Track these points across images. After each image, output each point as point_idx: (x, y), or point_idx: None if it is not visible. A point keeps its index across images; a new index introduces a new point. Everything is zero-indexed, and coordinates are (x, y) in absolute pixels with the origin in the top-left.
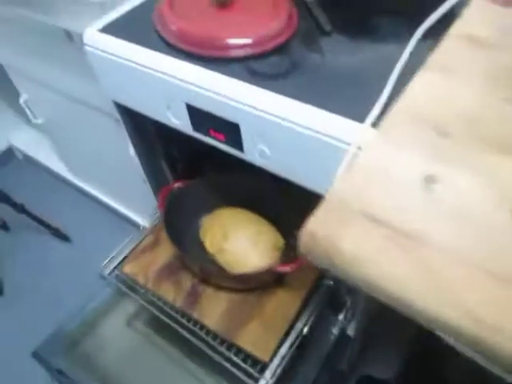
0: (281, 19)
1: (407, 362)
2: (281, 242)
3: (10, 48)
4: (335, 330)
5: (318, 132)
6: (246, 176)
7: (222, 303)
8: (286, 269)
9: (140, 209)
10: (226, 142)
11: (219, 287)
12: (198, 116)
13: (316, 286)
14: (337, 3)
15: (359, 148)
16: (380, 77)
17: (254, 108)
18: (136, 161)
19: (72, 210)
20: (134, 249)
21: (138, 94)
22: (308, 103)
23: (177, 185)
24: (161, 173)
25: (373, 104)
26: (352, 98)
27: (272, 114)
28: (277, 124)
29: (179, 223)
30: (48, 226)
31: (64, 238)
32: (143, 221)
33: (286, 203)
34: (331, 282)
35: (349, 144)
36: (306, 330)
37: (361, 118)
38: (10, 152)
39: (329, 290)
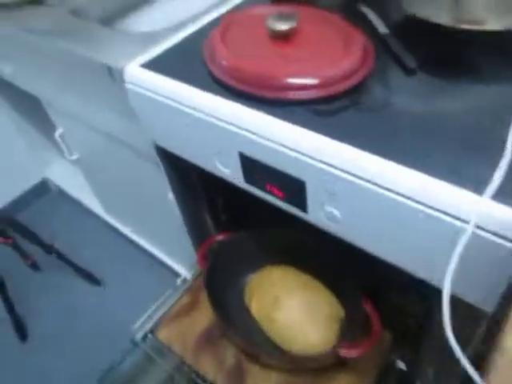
0: (354, 56)
1: None
2: (341, 313)
3: (47, 80)
4: None
5: (409, 198)
6: (301, 232)
7: None
8: (352, 354)
9: (178, 256)
10: (286, 200)
11: (268, 365)
12: (253, 168)
13: (385, 369)
14: (419, 34)
15: (479, 227)
16: (493, 130)
17: (325, 163)
18: (175, 207)
19: (105, 248)
20: (169, 309)
21: (182, 137)
22: (395, 161)
23: (220, 237)
24: (202, 222)
25: (491, 168)
26: (458, 157)
27: (348, 172)
28: (353, 184)
29: (221, 283)
30: (79, 269)
31: (95, 281)
32: (180, 268)
33: (345, 268)
34: (403, 366)
35: (461, 219)
36: None
37: (476, 188)
38: (44, 184)
39: (401, 375)
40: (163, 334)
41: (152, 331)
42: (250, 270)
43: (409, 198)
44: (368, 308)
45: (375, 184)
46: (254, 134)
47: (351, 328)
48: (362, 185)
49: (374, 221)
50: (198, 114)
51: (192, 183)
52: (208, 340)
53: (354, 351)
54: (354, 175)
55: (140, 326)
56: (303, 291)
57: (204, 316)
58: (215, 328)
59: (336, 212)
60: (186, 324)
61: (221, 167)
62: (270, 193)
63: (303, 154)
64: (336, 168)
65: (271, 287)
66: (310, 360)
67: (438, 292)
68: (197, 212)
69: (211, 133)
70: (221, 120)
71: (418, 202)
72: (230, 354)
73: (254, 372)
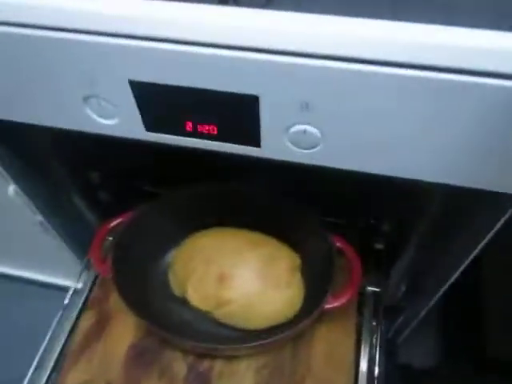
0: None
1: (449, 350)
2: (297, 259)
3: None
4: None
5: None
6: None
7: (248, 379)
8: (338, 303)
9: (58, 268)
10: (221, 138)
11: (233, 357)
12: (159, 101)
13: (359, 303)
14: None
15: None
16: None
17: (292, 54)
18: (19, 201)
19: None
20: (67, 342)
21: (23, 90)
22: (401, 19)
23: (116, 222)
24: (76, 213)
25: None
26: None
27: (332, 57)
28: (340, 75)
29: (138, 277)
30: None
31: None
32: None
33: (294, 208)
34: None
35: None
36: (376, 370)
37: None
38: None
39: (377, 299)
40: (72, 379)
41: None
42: (171, 246)
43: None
44: (341, 244)
45: (381, 63)
46: (155, 40)
47: (324, 274)
48: (354, 73)
49: (372, 126)
50: (49, 34)
51: (43, 162)
52: (141, 358)
53: (338, 300)
54: (343, 58)
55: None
56: (249, 253)
57: (124, 330)
58: (145, 339)
59: (313, 130)
60: (102, 350)
61: (99, 119)
62: (193, 134)
63: (252, 50)
64: (312, 56)
65: (208, 264)
66: (286, 328)
67: None
68: (64, 202)
69: (74, 62)
70: (91, 32)
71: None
72: (178, 362)
73: (221, 370)
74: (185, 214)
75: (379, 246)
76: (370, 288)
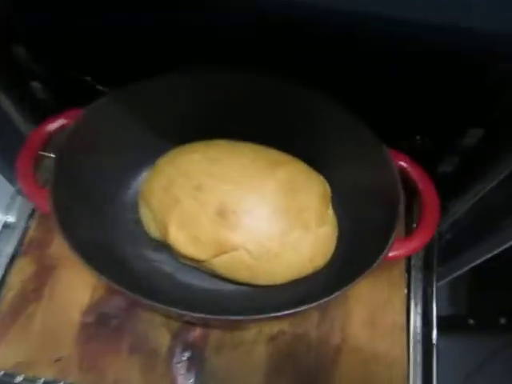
0: None
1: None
2: (327, 186)
3: None
4: None
5: None
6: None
7: (258, 353)
8: (403, 251)
9: None
10: None
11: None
12: None
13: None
14: None
15: None
16: None
17: None
18: None
19: None
20: None
21: None
22: None
23: (56, 125)
24: None
25: None
26: None
27: None
28: None
29: (90, 213)
30: None
31: None
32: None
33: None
34: None
35: None
36: (434, 334)
37: None
38: None
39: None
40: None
41: None
42: (141, 166)
43: None
44: (407, 165)
45: None
46: None
47: (374, 208)
48: None
49: None
50: None
51: None
52: (102, 327)
53: (407, 246)
54: None
55: None
56: (261, 177)
57: (76, 286)
58: (106, 299)
59: None
60: (44, 316)
61: None
62: None
63: None
64: None
65: (200, 191)
66: (333, 294)
67: None
68: None
69: None
70: None
71: None
72: (157, 332)
73: (219, 342)
74: (161, 118)
75: (446, 169)
76: None
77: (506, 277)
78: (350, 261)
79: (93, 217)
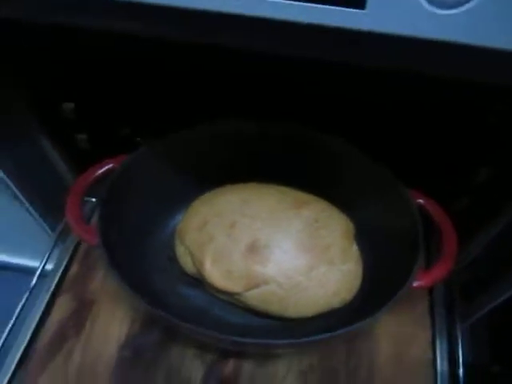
0: None
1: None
2: (350, 224)
3: None
4: None
5: None
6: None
7: None
8: (427, 282)
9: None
10: None
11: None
12: None
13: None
14: None
15: None
16: None
17: None
18: None
19: None
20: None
21: None
22: None
23: (102, 170)
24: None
25: None
26: None
27: None
28: None
29: (131, 250)
30: None
31: None
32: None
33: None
34: None
35: None
36: (461, 371)
37: None
38: None
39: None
40: None
41: None
42: (178, 207)
43: None
44: (424, 202)
45: None
46: None
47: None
48: None
49: None
50: None
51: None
52: (138, 359)
53: (428, 277)
54: None
55: None
56: (289, 216)
57: (113, 321)
58: (142, 333)
59: None
60: (83, 349)
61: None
62: None
63: None
64: None
65: (232, 229)
66: (358, 323)
67: None
68: (29, 147)
69: None
70: None
71: None
72: (191, 364)
73: (251, 375)
74: (196, 164)
75: (463, 203)
76: None
77: None
78: (376, 293)
79: (134, 254)
